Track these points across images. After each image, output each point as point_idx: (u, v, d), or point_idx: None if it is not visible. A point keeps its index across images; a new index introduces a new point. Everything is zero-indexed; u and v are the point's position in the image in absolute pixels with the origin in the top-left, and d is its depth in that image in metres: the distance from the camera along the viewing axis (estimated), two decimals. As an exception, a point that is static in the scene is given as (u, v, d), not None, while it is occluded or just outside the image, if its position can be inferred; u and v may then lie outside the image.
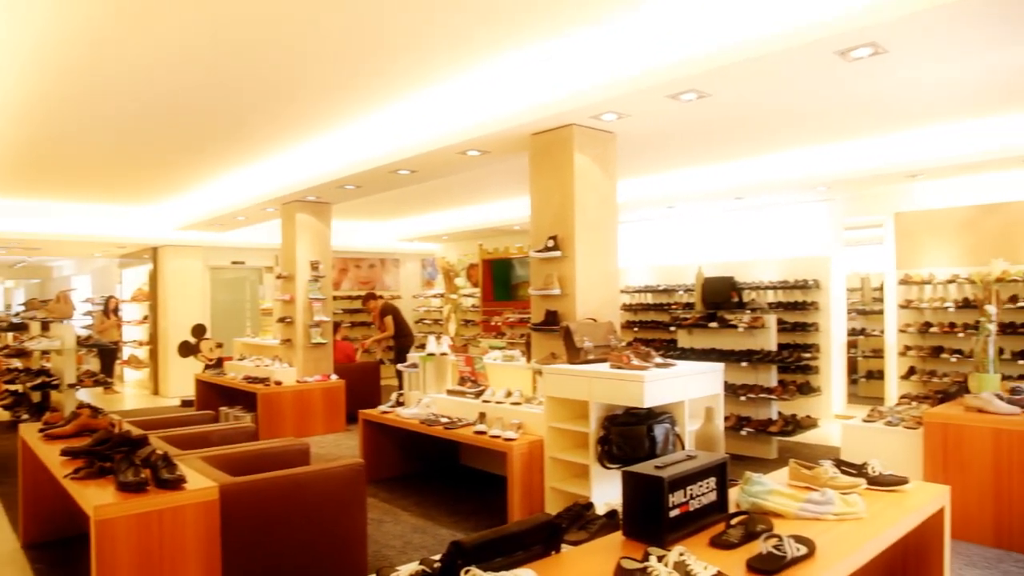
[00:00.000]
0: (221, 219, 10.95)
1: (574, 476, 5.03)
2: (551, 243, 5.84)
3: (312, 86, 5.77)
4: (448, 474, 6.88)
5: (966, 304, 8.47)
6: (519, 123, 5.72)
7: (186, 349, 11.41)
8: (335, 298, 12.31)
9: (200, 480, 3.46)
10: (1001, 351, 7.72)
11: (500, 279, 12.75)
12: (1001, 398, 4.97)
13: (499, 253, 12.59)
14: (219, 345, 11.39)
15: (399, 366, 7.29)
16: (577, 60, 5.11)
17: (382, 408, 6.70)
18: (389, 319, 10.60)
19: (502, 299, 12.64)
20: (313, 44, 4.86)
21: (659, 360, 4.69)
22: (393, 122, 6.70)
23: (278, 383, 8.87)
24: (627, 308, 11.34)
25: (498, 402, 5.79)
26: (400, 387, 7.46)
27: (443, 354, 6.68)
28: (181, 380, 12.20)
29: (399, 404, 6.71)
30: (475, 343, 7.61)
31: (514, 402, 5.73)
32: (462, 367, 6.52)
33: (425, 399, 6.41)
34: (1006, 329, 7.94)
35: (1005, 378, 6.03)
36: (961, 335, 8.49)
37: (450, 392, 6.38)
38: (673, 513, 2.40)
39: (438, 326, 14.31)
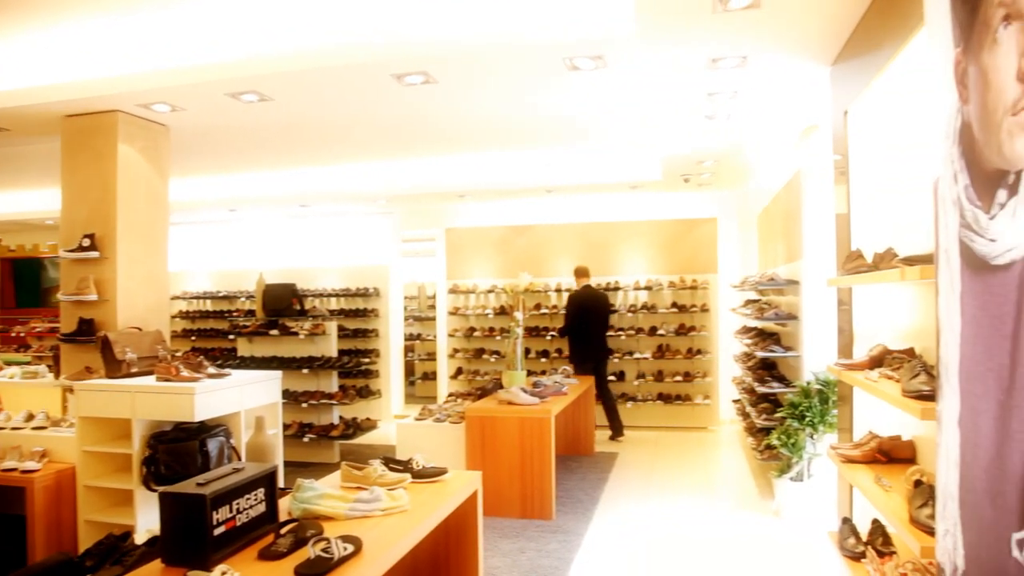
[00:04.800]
0: None
1: (115, 504, 4.50)
2: (87, 242, 5.16)
3: None
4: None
5: (502, 311, 9.68)
6: (48, 100, 4.95)
7: None
8: None
9: None
10: (528, 351, 9.00)
11: (26, 282, 11.02)
12: (526, 391, 5.78)
13: (25, 251, 10.86)
14: None
15: None
16: (127, 40, 4.59)
17: None
18: None
19: (29, 306, 10.94)
20: None
21: (212, 370, 4.45)
22: None
23: None
24: (184, 316, 10.58)
25: (15, 428, 4.92)
26: None
27: (-63, 374, 5.45)
28: None
29: None
30: (-14, 359, 6.38)
31: (37, 426, 4.91)
32: (-35, 388, 5.40)
33: (-91, 431, 5.14)
34: (532, 332, 9.27)
35: (531, 374, 7.01)
36: (499, 338, 9.67)
37: (-52, 420, 5.22)
38: (218, 531, 2.25)
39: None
